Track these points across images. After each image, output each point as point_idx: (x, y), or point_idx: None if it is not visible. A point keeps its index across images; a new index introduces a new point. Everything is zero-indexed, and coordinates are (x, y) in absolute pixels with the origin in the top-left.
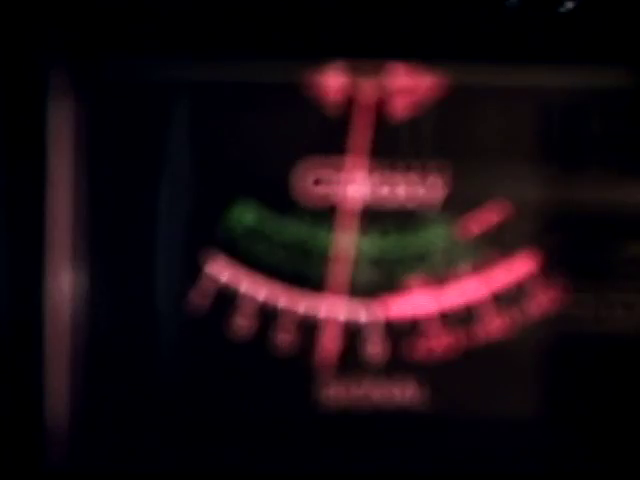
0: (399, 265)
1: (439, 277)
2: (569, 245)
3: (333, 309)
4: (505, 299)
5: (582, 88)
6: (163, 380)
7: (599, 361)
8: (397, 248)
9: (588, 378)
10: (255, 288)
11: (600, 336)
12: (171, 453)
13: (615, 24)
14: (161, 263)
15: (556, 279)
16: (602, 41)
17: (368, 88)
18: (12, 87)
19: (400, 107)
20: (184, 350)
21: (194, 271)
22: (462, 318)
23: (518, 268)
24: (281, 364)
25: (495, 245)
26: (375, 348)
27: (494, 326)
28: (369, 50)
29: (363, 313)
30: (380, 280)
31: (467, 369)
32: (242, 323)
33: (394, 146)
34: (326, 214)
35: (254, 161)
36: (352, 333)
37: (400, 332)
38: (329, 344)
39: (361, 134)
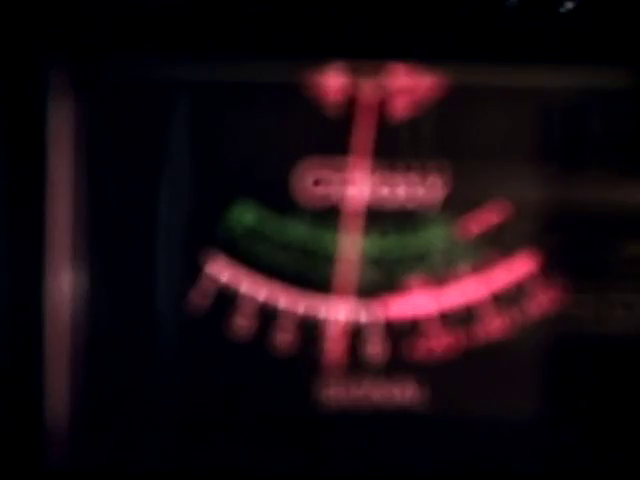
0: (399, 265)
1: (439, 277)
2: (569, 245)
3: (333, 309)
4: (505, 299)
5: (582, 88)
6: (163, 380)
7: (599, 361)
8: (397, 248)
9: (588, 378)
10: (255, 288)
11: (600, 336)
12: (171, 453)
13: (615, 24)
14: (161, 263)
15: (556, 279)
16: (602, 41)
17: (368, 88)
18: (12, 87)
19: (400, 107)
20: (184, 350)
21: (194, 271)
22: (462, 318)
23: (518, 268)
24: (281, 364)
25: (495, 245)
26: (375, 348)
27: (494, 326)
28: (369, 50)
29: (363, 313)
30: (380, 280)
31: (467, 369)
32: (242, 323)
33: (394, 146)
34: (326, 214)
35: (254, 161)
36: (352, 333)
37: (400, 332)
38: (329, 344)
39: (361, 134)
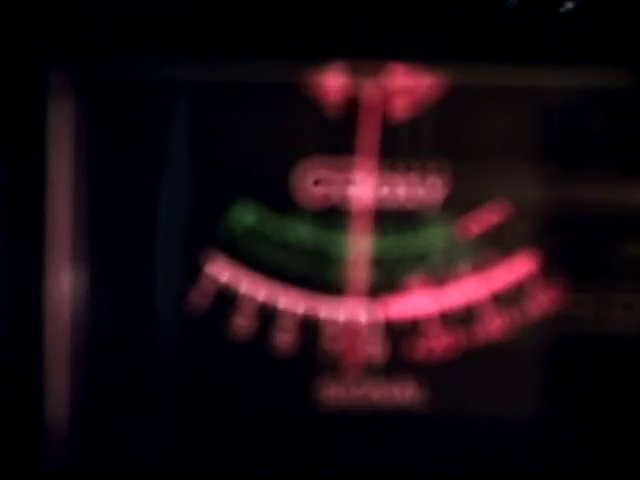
0: (399, 265)
1: (439, 277)
2: (569, 245)
3: (333, 309)
4: (505, 299)
5: (582, 88)
6: (163, 380)
7: (599, 361)
8: (397, 248)
9: (588, 378)
10: (255, 288)
11: (600, 336)
12: (171, 453)
13: (615, 24)
14: (161, 263)
15: (556, 279)
16: (602, 41)
17: (368, 88)
18: (12, 87)
19: (400, 107)
20: (184, 350)
21: (194, 271)
22: (462, 318)
23: (518, 268)
24: (281, 364)
25: (495, 245)
26: (375, 348)
27: (494, 326)
28: (369, 50)
29: (363, 313)
30: (380, 280)
31: (467, 369)
32: (242, 323)
33: (394, 146)
34: (326, 215)
35: (254, 161)
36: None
37: (400, 332)
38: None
39: (361, 134)
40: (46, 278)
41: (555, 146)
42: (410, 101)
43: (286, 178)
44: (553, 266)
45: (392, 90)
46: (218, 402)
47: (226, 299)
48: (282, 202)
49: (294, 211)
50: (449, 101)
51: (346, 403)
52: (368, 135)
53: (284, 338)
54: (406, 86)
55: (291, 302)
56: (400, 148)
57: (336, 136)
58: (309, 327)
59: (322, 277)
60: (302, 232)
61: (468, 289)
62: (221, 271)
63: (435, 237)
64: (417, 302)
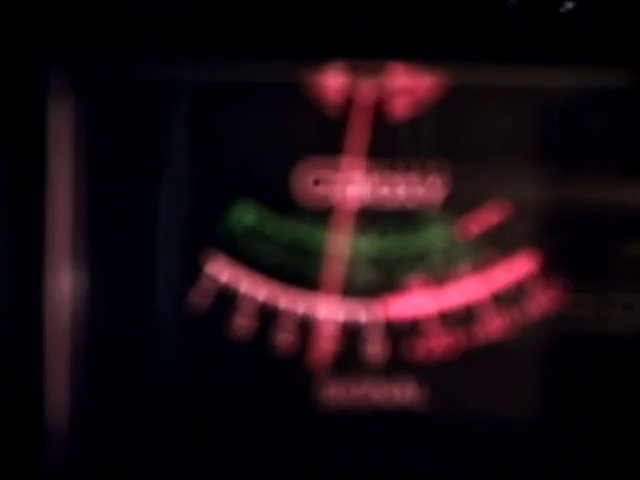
0: (399, 265)
1: (439, 277)
2: (569, 245)
3: (333, 309)
4: (505, 299)
5: (582, 88)
6: (163, 380)
7: (599, 361)
8: (397, 248)
9: (588, 378)
10: (255, 288)
11: (600, 336)
12: (171, 453)
13: (615, 24)
14: (161, 263)
15: (556, 279)
16: (602, 41)
17: (368, 88)
18: (12, 87)
19: (400, 107)
20: (184, 350)
21: (194, 271)
22: (462, 318)
23: (518, 268)
24: (281, 364)
25: (495, 245)
26: (375, 348)
27: (494, 326)
28: (369, 50)
29: (363, 313)
30: (380, 280)
31: (467, 369)
32: (242, 323)
33: (394, 146)
34: (326, 214)
35: (254, 161)
36: (352, 333)
37: (400, 332)
38: (329, 344)
39: (361, 134)
40: (46, 278)
41: (555, 146)
42: (410, 101)
43: (286, 178)
44: (553, 266)
45: (392, 90)
46: (218, 402)
47: (226, 299)
48: (282, 202)
49: (294, 211)
50: (449, 101)
51: (346, 403)
52: (367, 135)
53: (284, 338)
54: (406, 86)
55: (291, 302)
56: (400, 148)
57: (336, 136)
58: (309, 327)
59: (322, 277)
60: (302, 232)
61: (468, 289)
62: (221, 271)
63: (435, 237)
64: (417, 302)
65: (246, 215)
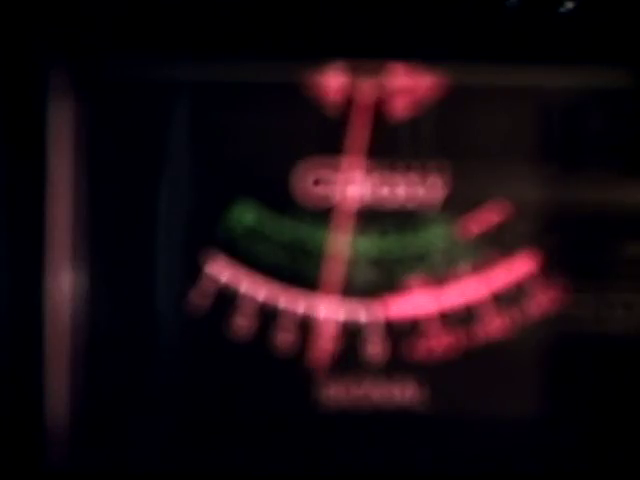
0: (399, 265)
1: (439, 277)
2: (569, 245)
3: (333, 309)
4: (505, 299)
5: (582, 88)
6: (163, 380)
7: (599, 361)
8: (397, 248)
9: (588, 378)
10: (255, 288)
11: (600, 336)
12: (171, 453)
13: (615, 24)
14: (161, 263)
15: (556, 279)
16: (602, 41)
17: (368, 88)
18: (12, 87)
19: (400, 107)
20: (184, 350)
21: (194, 271)
22: (462, 318)
23: (518, 268)
24: (281, 364)
25: (495, 245)
26: (375, 348)
27: (494, 326)
28: (369, 50)
29: (363, 313)
30: (380, 280)
31: (467, 369)
32: (242, 323)
33: (394, 146)
34: (326, 214)
35: (254, 161)
36: (352, 333)
37: (400, 332)
38: (329, 344)
39: (361, 134)
40: (46, 278)
41: (555, 146)
42: (410, 101)
43: (286, 178)
44: (553, 266)
45: (392, 90)
46: (218, 402)
47: (226, 299)
48: (282, 202)
49: (294, 211)
50: (449, 101)
51: (346, 403)
52: (367, 135)
53: (284, 338)
54: (406, 86)
55: (291, 302)
56: (400, 148)
57: (336, 136)
58: (309, 327)
59: (322, 277)
60: (302, 232)
61: (468, 289)
62: (221, 271)
63: (435, 237)
64: (417, 302)
65: (246, 215)
